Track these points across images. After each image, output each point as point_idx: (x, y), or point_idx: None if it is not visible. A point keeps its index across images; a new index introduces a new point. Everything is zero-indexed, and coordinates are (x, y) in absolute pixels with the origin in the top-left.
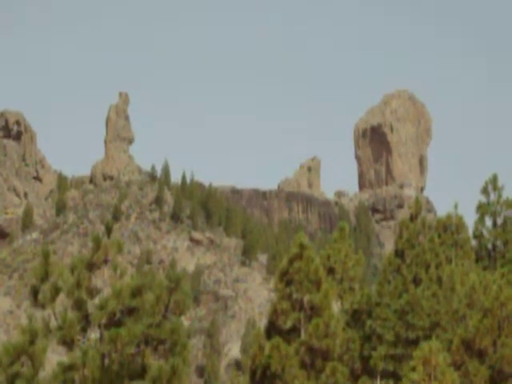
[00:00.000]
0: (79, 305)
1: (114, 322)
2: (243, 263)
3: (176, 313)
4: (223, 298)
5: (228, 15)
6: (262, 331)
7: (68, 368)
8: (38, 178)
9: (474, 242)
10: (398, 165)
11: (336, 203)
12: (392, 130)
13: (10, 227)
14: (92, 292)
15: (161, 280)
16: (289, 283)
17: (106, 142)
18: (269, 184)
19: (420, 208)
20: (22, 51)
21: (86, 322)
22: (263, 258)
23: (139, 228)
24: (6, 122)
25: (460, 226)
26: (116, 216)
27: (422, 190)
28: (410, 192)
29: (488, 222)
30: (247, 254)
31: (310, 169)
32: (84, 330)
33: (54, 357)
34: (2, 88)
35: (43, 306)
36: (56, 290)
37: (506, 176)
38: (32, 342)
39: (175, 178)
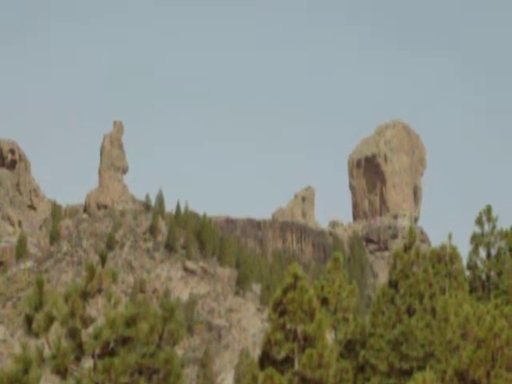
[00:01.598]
0: (73, 334)
1: (107, 352)
2: (237, 293)
3: (170, 342)
4: (217, 328)
5: (225, 43)
6: (255, 361)
7: None
8: (32, 207)
9: (467, 273)
10: (392, 195)
11: (330, 233)
12: (386, 160)
13: (4, 256)
14: (86, 321)
15: (155, 309)
16: (282, 313)
17: (100, 171)
18: (263, 214)
19: (414, 238)
20: (16, 79)
21: (79, 351)
22: (257, 288)
23: (133, 257)
24: (1, 150)
25: (454, 256)
26: (110, 245)
27: (416, 220)
28: (404, 222)
29: (482, 252)
30: (241, 284)
31: (304, 199)
32: (78, 359)
33: None
34: None
35: (37, 335)
36: (50, 319)
37: (501, 207)
38: (25, 371)
39: (169, 207)
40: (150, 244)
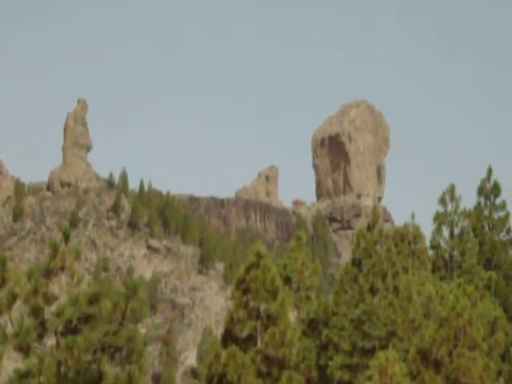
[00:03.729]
0: (36, 312)
1: (70, 330)
2: (200, 271)
3: (133, 321)
4: (180, 306)
5: (180, 17)
6: (218, 339)
7: (24, 375)
8: None
9: (430, 252)
10: (356, 174)
11: (293, 212)
12: (350, 139)
13: None
14: (49, 299)
15: (118, 288)
16: (245, 292)
17: (63, 148)
18: (226, 192)
19: (377, 217)
20: None
21: (42, 328)
22: (220, 266)
23: (96, 235)
24: None
25: (417, 235)
26: (73, 223)
27: (379, 199)
28: (367, 201)
29: (445, 232)
30: (204, 263)
31: (267, 177)
32: (40, 336)
33: (10, 363)
34: None
35: (0, 313)
36: (13, 297)
37: (464, 186)
38: None
39: (133, 185)
40: (113, 222)
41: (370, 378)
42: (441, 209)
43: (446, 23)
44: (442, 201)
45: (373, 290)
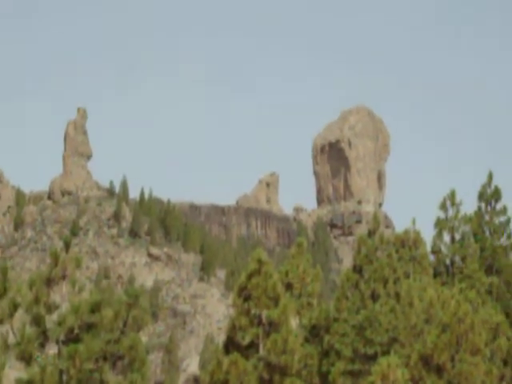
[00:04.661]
0: (37, 320)
1: (72, 338)
2: (201, 279)
3: (134, 328)
4: (181, 314)
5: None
6: (220, 347)
7: None
8: None
9: (432, 258)
10: (356, 180)
11: (294, 219)
12: (350, 145)
13: None
14: (50, 308)
15: (119, 296)
16: (247, 299)
17: (64, 157)
18: (227, 200)
19: (378, 223)
20: None
21: (44, 337)
22: (221, 273)
23: (97, 243)
24: None
25: (418, 241)
26: (74, 231)
27: (380, 205)
28: (368, 208)
29: (446, 237)
30: (205, 270)
31: (268, 184)
32: (42, 345)
33: (12, 373)
34: None
35: (1, 322)
36: (14, 306)
37: (464, 191)
38: None
39: (133, 193)
40: (114, 230)
41: None
42: (441, 214)
43: (446, 26)
44: (443, 206)
45: (374, 296)
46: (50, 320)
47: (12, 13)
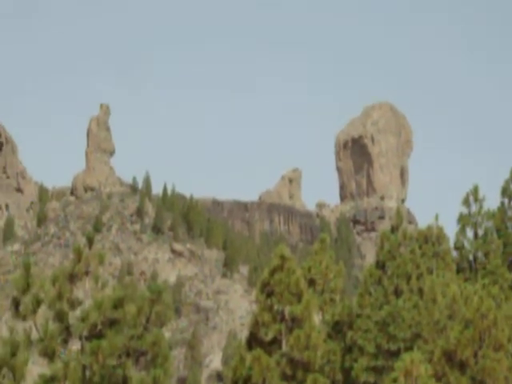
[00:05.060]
0: (60, 316)
1: (95, 334)
2: (224, 275)
3: (157, 324)
4: (204, 310)
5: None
6: (243, 343)
7: (49, 380)
8: (19, 190)
9: (455, 254)
10: (379, 176)
11: (317, 215)
12: (373, 141)
13: None
14: (73, 304)
15: (142, 292)
16: (270, 295)
17: (87, 153)
18: (250, 195)
19: (401, 219)
20: (1, 63)
21: (67, 333)
22: (244, 269)
23: (120, 239)
24: None
25: (441, 237)
26: (97, 227)
27: (403, 201)
28: (391, 203)
29: (469, 233)
30: (228, 266)
31: (291, 180)
32: (65, 341)
33: (36, 369)
34: None
35: (24, 318)
36: (37, 302)
37: (487, 187)
38: (13, 354)
39: (156, 189)
40: (137, 226)
41: (395, 380)
42: (464, 210)
43: (471, 22)
44: (466, 202)
45: (397, 292)
46: (73, 316)
47: (34, 7)
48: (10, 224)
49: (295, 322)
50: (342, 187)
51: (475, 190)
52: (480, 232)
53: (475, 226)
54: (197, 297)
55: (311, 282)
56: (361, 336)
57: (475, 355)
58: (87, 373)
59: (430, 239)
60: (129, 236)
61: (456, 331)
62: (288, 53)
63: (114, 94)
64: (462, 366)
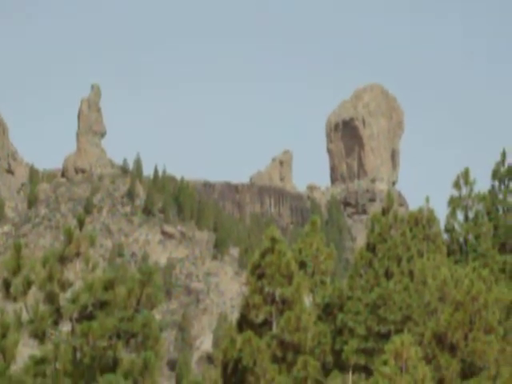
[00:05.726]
0: (51, 298)
1: (85, 316)
2: (215, 257)
3: (148, 306)
4: (195, 292)
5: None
6: (233, 325)
7: (40, 361)
8: (9, 171)
9: (445, 236)
10: (370, 159)
11: (308, 197)
12: (364, 123)
13: None
14: (64, 285)
15: (133, 274)
16: (260, 277)
17: (77, 135)
18: (241, 178)
19: (392, 202)
20: None
21: (57, 315)
22: (235, 251)
23: (111, 221)
24: None
25: (431, 219)
26: (88, 209)
27: (393, 183)
28: (381, 186)
29: (460, 215)
30: (219, 248)
31: (281, 162)
32: (56, 323)
33: (26, 350)
34: None
35: (15, 299)
36: (28, 283)
37: (478, 170)
38: (3, 336)
39: (147, 171)
40: (127, 208)
41: (385, 363)
42: (455, 192)
43: (467, 4)
44: (457, 185)
45: (388, 275)
46: (64, 298)
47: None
48: (0, 205)
49: (286, 304)
50: (333, 169)
51: (466, 173)
52: (470, 215)
53: (466, 208)
54: (187, 279)
55: (302, 265)
56: (351, 318)
57: (465, 338)
58: (78, 354)
59: (421, 222)
60: (119, 218)
61: (446, 314)
62: (279, 36)
63: (104, 74)
64: (453, 349)
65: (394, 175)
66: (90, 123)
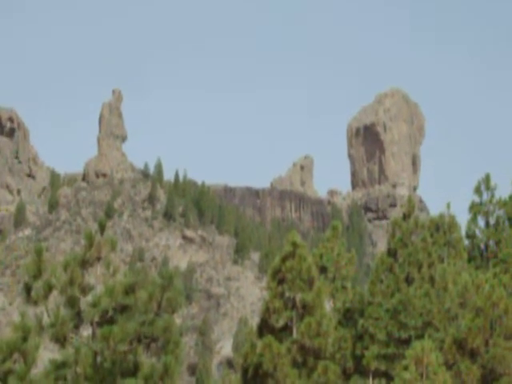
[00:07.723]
0: (72, 302)
1: (106, 320)
2: (235, 261)
3: (168, 311)
4: (215, 296)
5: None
6: (254, 329)
7: (60, 365)
8: (31, 175)
9: (466, 242)
10: (391, 164)
11: (329, 202)
12: (385, 128)
13: (2, 224)
14: (85, 289)
15: (153, 278)
16: (281, 282)
17: (98, 139)
18: (262, 182)
19: (413, 207)
20: (16, 48)
21: (78, 319)
22: (256, 256)
23: (132, 226)
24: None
25: (452, 225)
26: (109, 213)
27: (414, 189)
28: (402, 191)
29: (481, 221)
30: (240, 253)
31: (302, 167)
32: (76, 327)
33: (47, 354)
34: None
35: (36, 303)
36: (49, 287)
37: (499, 176)
38: (24, 339)
39: (168, 175)
40: (148, 212)
41: (405, 368)
42: (476, 198)
43: (486, 14)
44: (478, 190)
45: (408, 280)
46: (85, 302)
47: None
48: (21, 209)
49: (306, 309)
50: (354, 175)
51: (487, 179)
52: (491, 220)
53: (487, 214)
54: (208, 283)
55: (322, 270)
56: (372, 324)
57: (486, 343)
58: (98, 359)
59: (442, 227)
60: (140, 222)
61: (467, 319)
62: (301, 42)
63: (126, 79)
64: (473, 355)
65: (414, 180)
66: (111, 127)
